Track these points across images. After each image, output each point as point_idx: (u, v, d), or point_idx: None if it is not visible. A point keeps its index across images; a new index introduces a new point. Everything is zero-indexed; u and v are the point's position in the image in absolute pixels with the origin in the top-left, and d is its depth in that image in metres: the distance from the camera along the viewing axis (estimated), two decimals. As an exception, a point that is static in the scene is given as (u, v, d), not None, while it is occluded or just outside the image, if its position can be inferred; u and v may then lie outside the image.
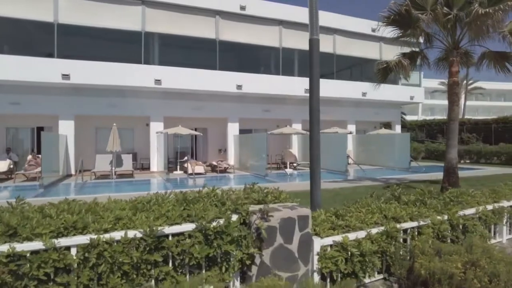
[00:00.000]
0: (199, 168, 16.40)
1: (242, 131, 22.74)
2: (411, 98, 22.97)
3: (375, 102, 22.64)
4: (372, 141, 21.30)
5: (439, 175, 15.18)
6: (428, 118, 49.31)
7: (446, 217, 4.42)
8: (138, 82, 16.78)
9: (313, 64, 5.17)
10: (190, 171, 16.25)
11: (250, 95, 19.39)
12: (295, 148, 21.17)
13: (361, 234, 3.74)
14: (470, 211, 4.77)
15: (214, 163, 17.88)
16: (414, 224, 4.12)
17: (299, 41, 20.00)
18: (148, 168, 18.23)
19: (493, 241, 5.18)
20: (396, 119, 24.55)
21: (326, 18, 19.95)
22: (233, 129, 19.54)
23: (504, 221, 5.28)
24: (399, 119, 24.81)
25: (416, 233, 4.18)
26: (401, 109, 37.69)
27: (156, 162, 18.00)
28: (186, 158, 18.46)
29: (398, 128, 24.27)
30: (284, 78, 19.89)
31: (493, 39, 9.55)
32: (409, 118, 53.18)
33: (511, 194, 5.57)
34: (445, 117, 47.77)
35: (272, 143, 21.85)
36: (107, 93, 17.06)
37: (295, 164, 19.48)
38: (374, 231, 3.82)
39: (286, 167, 18.25)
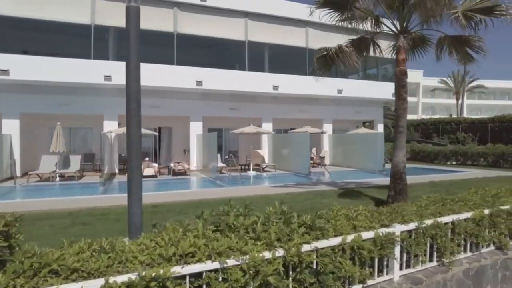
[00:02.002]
0: (149, 171, 15.15)
1: (211, 131, 21.55)
2: (393, 95, 21.26)
3: (355, 99, 21.16)
4: (348, 141, 19.86)
5: (410, 179, 13.74)
6: (424, 117, 47.50)
7: (280, 252, 3.02)
8: (90, 78, 15.65)
9: (132, 39, 3.80)
10: (139, 174, 15.02)
11: (213, 92, 18.08)
12: (266, 148, 19.80)
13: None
14: (332, 241, 3.36)
15: (171, 165, 16.67)
16: (208, 266, 2.70)
17: (268, 35, 18.70)
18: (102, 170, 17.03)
19: (379, 279, 3.78)
20: (379, 117, 23.01)
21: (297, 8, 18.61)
22: (196, 128, 18.24)
23: (397, 252, 3.86)
24: (381, 118, 23.26)
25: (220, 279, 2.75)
26: (388, 106, 36.25)
27: (109, 163, 16.78)
28: (146, 159, 17.29)
29: (380, 127, 22.72)
30: (252, 74, 18.55)
31: (446, 21, 8.10)
32: (409, 117, 51.62)
33: (415, 214, 4.15)
34: (443, 116, 46.13)
35: (243, 143, 20.59)
36: (58, 90, 15.94)
37: (264, 166, 18.14)
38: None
39: (249, 169, 16.91)
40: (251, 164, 16.96)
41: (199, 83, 17.04)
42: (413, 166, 19.99)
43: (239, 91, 18.28)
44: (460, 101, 59.12)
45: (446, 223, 4.15)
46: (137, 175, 3.90)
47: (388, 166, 18.64)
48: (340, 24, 8.71)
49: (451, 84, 52.39)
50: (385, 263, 3.85)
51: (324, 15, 8.64)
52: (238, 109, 19.13)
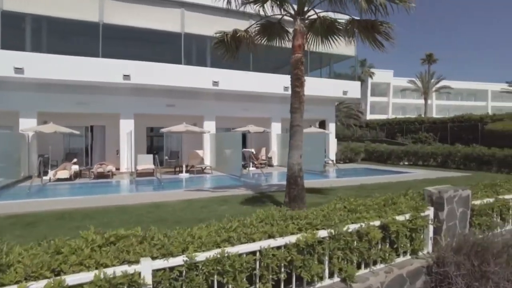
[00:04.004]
0: (63, 173, 13.64)
1: (149, 129, 20.16)
2: (344, 93, 20.51)
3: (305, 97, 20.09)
4: (295, 141, 18.80)
5: (342, 182, 13.26)
6: (390, 117, 47.41)
7: None
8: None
9: None
10: (51, 175, 13.54)
11: (146, 87, 16.66)
12: (207, 149, 18.53)
13: None
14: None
15: (97, 166, 15.22)
16: None
17: (208, 27, 17.40)
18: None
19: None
20: (330, 116, 22.10)
21: None
22: (127, 126, 16.76)
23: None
24: (333, 117, 22.38)
25: None
26: (351, 105, 35.67)
27: (30, 165, 15.16)
28: (74, 160, 15.72)
29: (332, 127, 21.82)
30: (188, 68, 17.26)
31: (350, 4, 7.07)
32: (378, 117, 51.42)
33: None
34: (408, 116, 46.06)
35: (188, 143, 19.29)
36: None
37: (202, 167, 16.87)
38: None
39: (181, 171, 15.59)
40: (184, 166, 15.65)
41: (126, 77, 15.60)
42: (363, 167, 19.24)
43: (175, 87, 16.95)
44: (429, 102, 59.75)
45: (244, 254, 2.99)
46: None
47: (329, 167, 17.92)
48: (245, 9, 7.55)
49: (419, 85, 52.54)
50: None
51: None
52: (176, 106, 17.78)
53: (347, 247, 3.59)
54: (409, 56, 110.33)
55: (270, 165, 19.59)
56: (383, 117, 51.42)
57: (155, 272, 2.65)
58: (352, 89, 20.83)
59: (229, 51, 8.14)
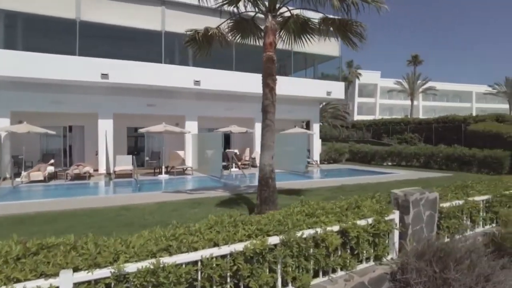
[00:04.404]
0: (36, 175, 13.18)
1: (130, 130, 19.75)
2: (328, 93, 20.40)
3: (286, 97, 19.92)
4: (278, 141, 18.61)
5: (323, 182, 13.00)
6: (376, 118, 47.71)
7: None
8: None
9: None
10: (23, 177, 13.08)
11: (124, 87, 16.25)
12: (189, 150, 18.21)
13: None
14: None
15: (74, 167, 14.81)
16: None
17: (189, 25, 17.08)
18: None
19: None
20: (314, 117, 21.98)
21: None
22: (106, 126, 16.31)
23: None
24: (317, 117, 22.26)
25: None
26: (338, 105, 35.63)
27: (2, 166, 14.61)
28: (51, 161, 15.26)
29: (316, 127, 21.70)
30: (169, 67, 16.92)
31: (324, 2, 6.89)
32: (365, 118, 51.63)
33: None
34: (394, 116, 46.41)
35: (170, 144, 18.93)
36: None
37: (184, 168, 16.56)
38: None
39: (161, 173, 15.25)
40: (163, 167, 15.32)
41: (105, 76, 15.20)
42: (346, 168, 19.18)
43: (155, 86, 16.58)
44: (416, 103, 60.33)
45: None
46: None
47: (311, 168, 17.81)
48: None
49: (406, 86, 53.00)
50: None
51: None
52: (157, 106, 17.42)
53: (301, 254, 3.38)
54: (397, 57, 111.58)
55: (254, 166, 19.35)
56: (370, 117, 51.71)
57: (76, 286, 2.40)
58: (336, 89, 20.74)
59: (201, 48, 7.90)
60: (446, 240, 4.76)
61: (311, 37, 8.10)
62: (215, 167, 14.32)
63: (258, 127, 19.97)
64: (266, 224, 3.40)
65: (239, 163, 17.83)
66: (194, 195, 9.90)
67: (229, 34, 8.23)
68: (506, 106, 53.71)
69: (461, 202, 5.31)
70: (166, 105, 17.65)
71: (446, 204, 5.05)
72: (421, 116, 54.15)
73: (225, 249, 2.99)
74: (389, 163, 20.62)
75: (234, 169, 17.35)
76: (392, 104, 64.76)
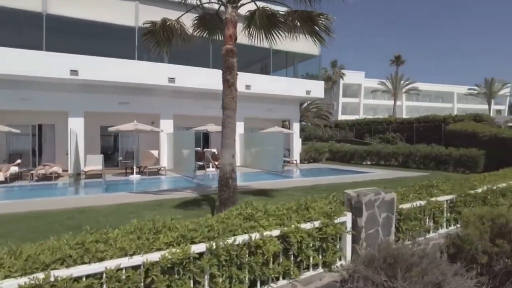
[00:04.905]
0: (-5, 176, 12.50)
1: (104, 128, 19.08)
2: (307, 92, 20.17)
3: (266, 96, 19.65)
4: (256, 141, 18.37)
5: (297, 182, 12.63)
6: (360, 117, 47.94)
7: None
8: None
9: None
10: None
11: (95, 84, 15.65)
12: (164, 149, 17.70)
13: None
14: None
15: (40, 167, 14.15)
16: None
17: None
18: None
19: None
20: (295, 116, 21.72)
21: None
22: (77, 125, 15.68)
23: None
24: (297, 117, 22.01)
25: None
26: (321, 105, 35.54)
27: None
28: (18, 161, 14.57)
29: (296, 127, 21.45)
30: (144, 64, 16.39)
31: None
32: (349, 117, 51.76)
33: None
34: (377, 116, 46.66)
35: (144, 144, 18.40)
36: None
37: (158, 168, 16.04)
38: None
39: (132, 173, 14.72)
40: (135, 167, 14.79)
41: (74, 72, 14.59)
42: (325, 167, 18.98)
43: (128, 83, 16.04)
44: (399, 103, 60.90)
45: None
46: None
47: (288, 167, 17.53)
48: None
49: (390, 86, 53.41)
50: None
51: None
52: (131, 104, 16.85)
53: (233, 263, 3.03)
54: (382, 58, 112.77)
55: (217, 167, 19.01)
56: (354, 117, 51.91)
57: None
58: (315, 88, 20.53)
59: (160, 43, 7.47)
60: (407, 243, 4.49)
61: (281, 32, 7.74)
62: (188, 167, 13.89)
63: (237, 126, 19.62)
64: (194, 229, 3.04)
65: (216, 163, 17.41)
66: (160, 196, 9.47)
67: (196, 32, 7.83)
68: (486, 106, 54.73)
69: (423, 202, 5.06)
70: (141, 103, 17.10)
71: (406, 205, 4.78)
72: (404, 116, 54.66)
73: (137, 259, 2.61)
74: (368, 163, 20.53)
75: (211, 169, 16.95)
76: (376, 104, 65.25)
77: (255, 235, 3.16)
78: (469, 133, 18.40)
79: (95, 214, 7.38)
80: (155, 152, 16.47)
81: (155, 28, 7.13)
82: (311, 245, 3.58)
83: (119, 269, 2.51)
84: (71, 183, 12.01)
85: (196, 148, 19.02)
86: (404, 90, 53.22)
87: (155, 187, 12.41)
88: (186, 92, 17.74)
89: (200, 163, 17.06)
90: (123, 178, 14.18)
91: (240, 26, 8.46)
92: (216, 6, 7.72)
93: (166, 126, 17.53)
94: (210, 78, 17.48)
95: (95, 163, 14.58)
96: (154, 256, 2.66)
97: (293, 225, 3.46)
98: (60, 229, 6.08)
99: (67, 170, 15.40)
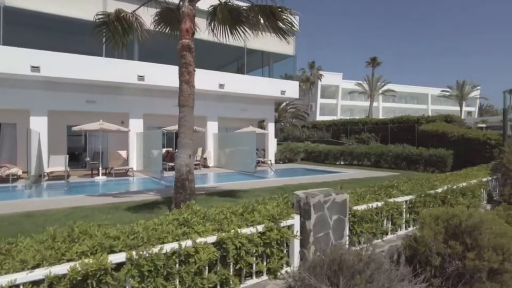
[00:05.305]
0: None
1: (71, 128, 18.33)
2: (282, 92, 20.05)
3: (240, 96, 19.40)
4: (230, 141, 18.07)
5: (267, 183, 12.19)
6: (337, 118, 48.42)
7: None
8: None
9: None
10: None
11: (59, 81, 14.96)
12: (134, 149, 17.15)
13: None
14: None
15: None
16: None
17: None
18: None
19: None
20: (270, 116, 21.56)
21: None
22: (39, 124, 14.93)
23: None
24: (272, 117, 21.87)
25: None
26: (297, 105, 35.59)
27: None
28: None
29: (271, 127, 21.29)
30: (112, 61, 15.78)
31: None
32: (327, 118, 52.17)
33: None
34: (352, 117, 47.28)
35: (113, 144, 17.78)
36: None
37: (126, 169, 15.48)
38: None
39: (98, 174, 14.14)
40: (101, 168, 14.20)
41: (35, 68, 13.87)
42: (299, 167, 18.91)
43: (95, 81, 15.43)
44: (376, 104, 61.98)
45: None
46: None
47: (260, 167, 17.33)
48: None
49: (366, 87, 54.24)
50: None
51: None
52: (98, 103, 16.22)
53: (159, 274, 2.74)
54: (359, 59, 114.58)
55: (206, 166, 18.64)
56: (331, 118, 52.38)
57: None
58: (290, 88, 20.42)
59: (115, 36, 7.06)
60: (362, 246, 4.33)
61: (247, 28, 7.50)
62: (156, 168, 13.45)
63: (210, 125, 19.31)
64: (116, 237, 2.73)
65: (200, 163, 17.03)
66: (120, 198, 9.04)
67: (158, 27, 7.47)
68: (458, 108, 56.40)
69: (380, 204, 4.91)
70: (109, 102, 16.50)
71: (361, 207, 4.62)
72: (381, 117, 55.64)
73: (38, 273, 2.29)
74: (342, 162, 20.60)
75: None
76: (353, 105, 66.14)
77: (186, 243, 2.88)
78: (439, 134, 18.74)
79: (44, 218, 6.90)
80: (123, 153, 15.91)
81: (109, 19, 6.73)
82: (253, 251, 3.34)
83: (12, 286, 2.18)
84: (28, 185, 11.35)
85: (167, 149, 18.61)
86: (380, 91, 54.15)
87: (119, 189, 11.90)
88: (157, 90, 17.26)
89: (172, 164, 16.60)
90: (88, 180, 13.59)
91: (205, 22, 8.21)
92: (177, 1, 7.39)
93: (136, 126, 17.00)
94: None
95: (59, 164, 13.92)
96: (62, 269, 2.35)
97: (232, 230, 3.20)
98: (-1, 235, 5.61)
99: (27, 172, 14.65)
